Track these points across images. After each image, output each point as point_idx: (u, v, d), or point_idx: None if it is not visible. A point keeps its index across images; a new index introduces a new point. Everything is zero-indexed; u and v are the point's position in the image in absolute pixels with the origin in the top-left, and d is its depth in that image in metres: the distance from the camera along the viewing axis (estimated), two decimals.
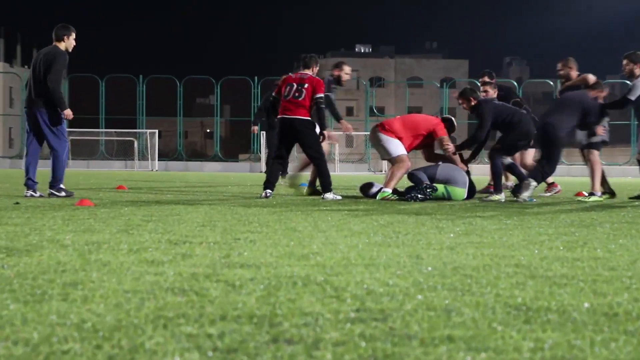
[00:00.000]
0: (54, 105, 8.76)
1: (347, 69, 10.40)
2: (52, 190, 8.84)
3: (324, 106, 9.40)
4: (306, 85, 9.28)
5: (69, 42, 8.92)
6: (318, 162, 9.33)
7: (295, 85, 9.32)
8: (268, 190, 9.31)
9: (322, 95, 9.30)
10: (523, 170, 9.94)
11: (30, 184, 8.81)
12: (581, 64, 10.61)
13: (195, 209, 7.06)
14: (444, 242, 4.46)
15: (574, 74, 10.42)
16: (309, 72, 9.45)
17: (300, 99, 9.22)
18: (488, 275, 3.19)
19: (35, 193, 8.77)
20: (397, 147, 9.32)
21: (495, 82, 11.38)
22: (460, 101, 9.78)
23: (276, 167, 9.51)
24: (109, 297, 2.59)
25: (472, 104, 9.63)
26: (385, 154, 9.42)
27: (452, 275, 3.16)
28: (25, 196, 8.70)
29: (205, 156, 51.95)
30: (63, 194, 8.82)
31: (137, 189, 12.07)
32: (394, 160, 9.33)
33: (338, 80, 10.38)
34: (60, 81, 8.78)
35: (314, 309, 2.43)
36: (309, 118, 9.30)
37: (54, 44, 8.91)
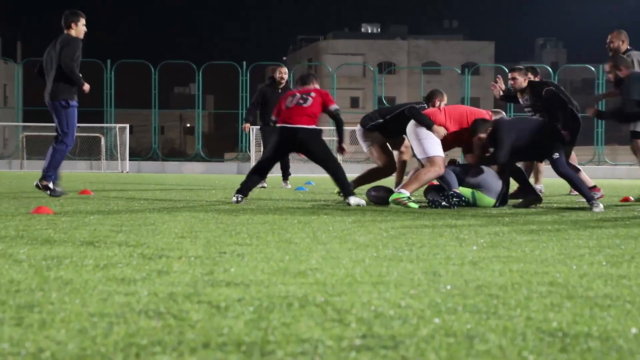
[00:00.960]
0: (71, 94, 9.87)
1: (446, 98, 10.39)
2: (45, 183, 9.44)
3: (342, 118, 9.70)
4: (313, 94, 9.55)
5: (78, 29, 9.90)
6: (335, 168, 9.50)
7: (298, 95, 9.57)
8: (239, 195, 9.46)
9: (337, 107, 9.61)
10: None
11: (48, 178, 9.85)
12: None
13: (173, 218, 7.07)
14: (466, 256, 4.47)
15: (624, 47, 10.83)
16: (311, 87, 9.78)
17: (305, 105, 9.44)
18: (517, 295, 3.20)
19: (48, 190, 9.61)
20: (434, 147, 9.28)
21: (540, 78, 11.61)
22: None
23: (255, 178, 9.67)
24: (72, 321, 2.59)
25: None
26: (420, 151, 9.37)
27: (475, 295, 3.17)
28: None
29: (184, 155, 52.03)
30: (49, 191, 9.49)
31: (104, 193, 12.08)
32: (426, 161, 9.28)
33: None
34: (73, 60, 9.78)
35: (312, 334, 2.44)
36: (315, 126, 9.50)
37: (64, 32, 9.92)
